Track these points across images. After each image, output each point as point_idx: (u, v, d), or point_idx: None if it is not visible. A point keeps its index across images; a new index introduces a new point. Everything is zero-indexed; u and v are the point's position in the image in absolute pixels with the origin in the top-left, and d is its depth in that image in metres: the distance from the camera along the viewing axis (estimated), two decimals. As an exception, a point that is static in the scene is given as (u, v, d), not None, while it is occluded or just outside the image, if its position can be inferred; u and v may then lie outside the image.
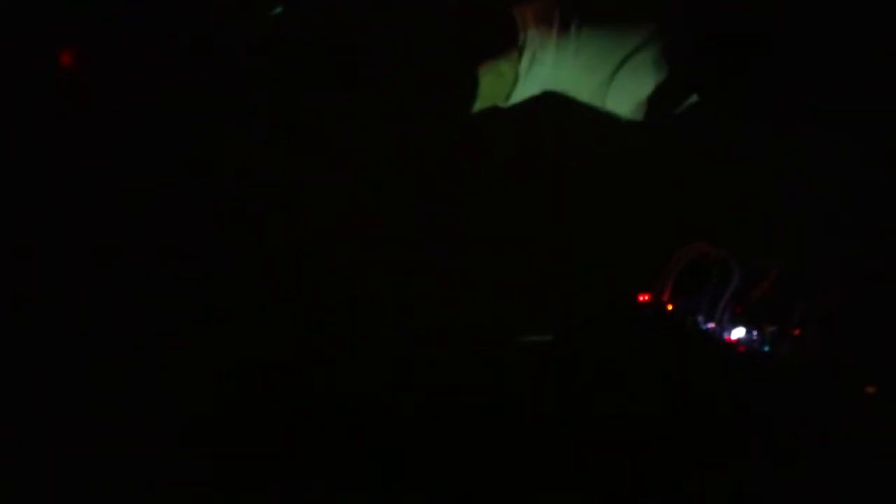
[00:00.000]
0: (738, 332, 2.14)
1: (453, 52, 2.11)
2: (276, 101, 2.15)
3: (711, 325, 2.16)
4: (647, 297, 2.22)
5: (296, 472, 2.00)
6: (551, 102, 2.22)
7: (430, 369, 2.20)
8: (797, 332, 2.13)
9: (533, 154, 2.29)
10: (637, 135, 2.22)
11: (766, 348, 2.12)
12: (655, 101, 2.16)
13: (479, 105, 2.16)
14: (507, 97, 2.18)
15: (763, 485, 1.95)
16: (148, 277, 2.14)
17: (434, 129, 2.14)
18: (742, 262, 2.15)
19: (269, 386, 2.10)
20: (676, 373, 2.11)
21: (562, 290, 2.28)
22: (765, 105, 2.16)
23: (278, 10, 2.14)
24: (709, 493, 1.98)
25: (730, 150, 2.19)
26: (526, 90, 2.18)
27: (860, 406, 1.99)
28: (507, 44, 2.13)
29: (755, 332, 2.14)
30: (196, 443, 2.00)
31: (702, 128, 2.20)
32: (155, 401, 2.02)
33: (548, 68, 2.16)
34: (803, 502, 1.93)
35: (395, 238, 2.25)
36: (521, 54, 2.13)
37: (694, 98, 2.19)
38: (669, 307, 2.20)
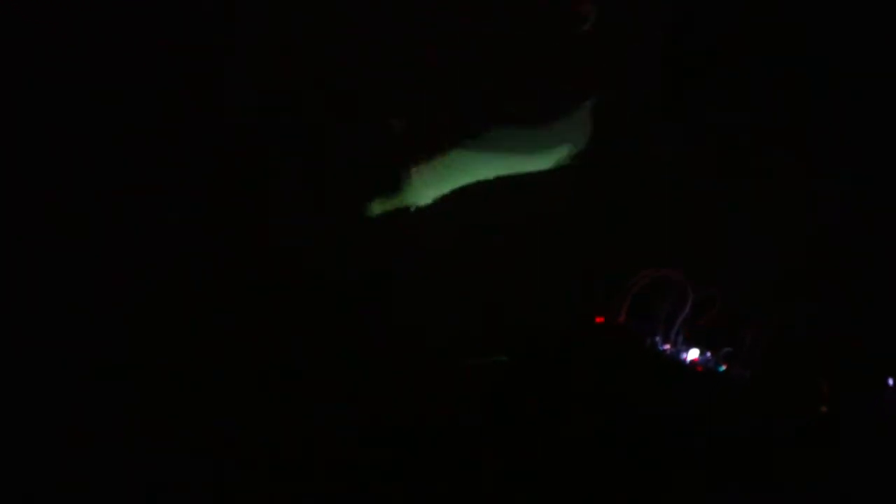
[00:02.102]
0: (693, 353, 2.22)
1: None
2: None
3: (667, 346, 2.22)
4: (602, 319, 2.27)
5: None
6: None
7: (384, 392, 2.18)
8: (745, 353, 2.22)
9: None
10: (600, 163, 2.28)
11: (721, 368, 2.20)
12: None
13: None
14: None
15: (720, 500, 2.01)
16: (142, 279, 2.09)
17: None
18: (696, 287, 2.23)
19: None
20: (633, 392, 2.16)
21: (519, 312, 2.30)
22: (718, 140, 2.26)
23: None
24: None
25: (685, 181, 2.28)
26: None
27: (814, 422, 2.08)
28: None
29: (709, 353, 2.21)
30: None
31: (660, 157, 2.27)
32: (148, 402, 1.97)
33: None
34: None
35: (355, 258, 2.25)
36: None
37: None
38: (625, 329, 2.25)
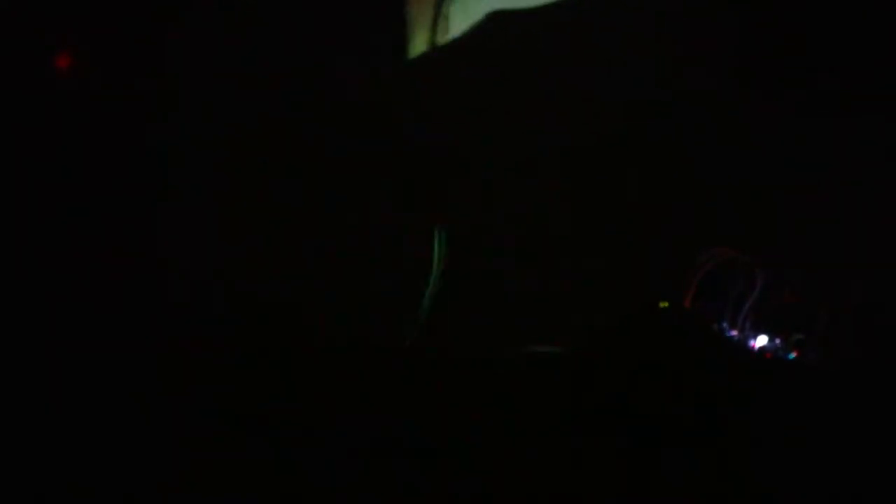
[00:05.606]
0: (762, 340, 2.12)
1: None
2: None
3: (735, 332, 2.13)
4: (667, 304, 2.18)
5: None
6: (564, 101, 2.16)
7: (441, 379, 2.15)
8: (818, 339, 2.12)
9: (551, 157, 2.24)
10: (658, 137, 2.19)
11: (791, 356, 2.10)
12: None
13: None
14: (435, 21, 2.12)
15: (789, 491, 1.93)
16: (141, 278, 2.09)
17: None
18: (765, 267, 2.13)
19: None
20: (700, 382, 2.08)
21: (578, 298, 2.24)
22: (791, 114, 2.15)
23: None
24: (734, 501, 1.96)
25: (753, 157, 2.18)
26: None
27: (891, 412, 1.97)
28: None
29: (778, 340, 2.12)
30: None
31: (726, 132, 2.18)
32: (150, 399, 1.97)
33: None
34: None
35: (401, 241, 2.21)
36: None
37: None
38: (691, 314, 2.17)
